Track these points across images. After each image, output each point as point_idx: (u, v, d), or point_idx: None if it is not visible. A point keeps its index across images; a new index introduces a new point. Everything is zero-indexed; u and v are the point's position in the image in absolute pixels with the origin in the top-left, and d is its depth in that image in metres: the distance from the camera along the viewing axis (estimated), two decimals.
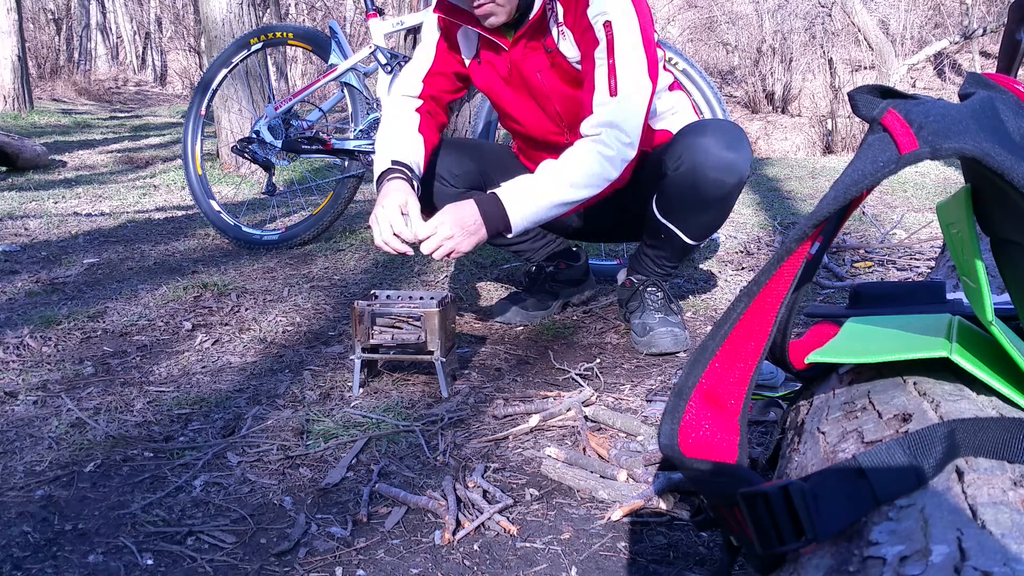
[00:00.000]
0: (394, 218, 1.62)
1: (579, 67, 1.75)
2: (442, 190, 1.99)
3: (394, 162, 1.77)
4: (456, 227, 1.61)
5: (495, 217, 1.64)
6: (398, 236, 1.62)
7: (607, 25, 1.65)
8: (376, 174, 1.79)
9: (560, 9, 1.72)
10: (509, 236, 1.69)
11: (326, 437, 1.48)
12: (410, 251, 1.65)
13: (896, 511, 0.56)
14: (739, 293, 0.77)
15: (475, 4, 1.70)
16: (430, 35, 1.91)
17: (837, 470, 0.60)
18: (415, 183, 1.78)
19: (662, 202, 1.84)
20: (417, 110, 1.90)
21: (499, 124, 2.39)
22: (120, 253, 3.04)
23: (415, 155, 1.83)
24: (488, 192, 1.67)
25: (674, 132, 1.86)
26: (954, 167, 4.69)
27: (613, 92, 1.65)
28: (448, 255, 1.62)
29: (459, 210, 1.63)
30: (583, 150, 1.67)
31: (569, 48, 1.74)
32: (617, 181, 1.70)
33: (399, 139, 1.84)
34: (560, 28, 1.73)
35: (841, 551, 0.56)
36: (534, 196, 1.66)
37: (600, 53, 1.67)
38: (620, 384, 1.73)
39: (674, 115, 1.93)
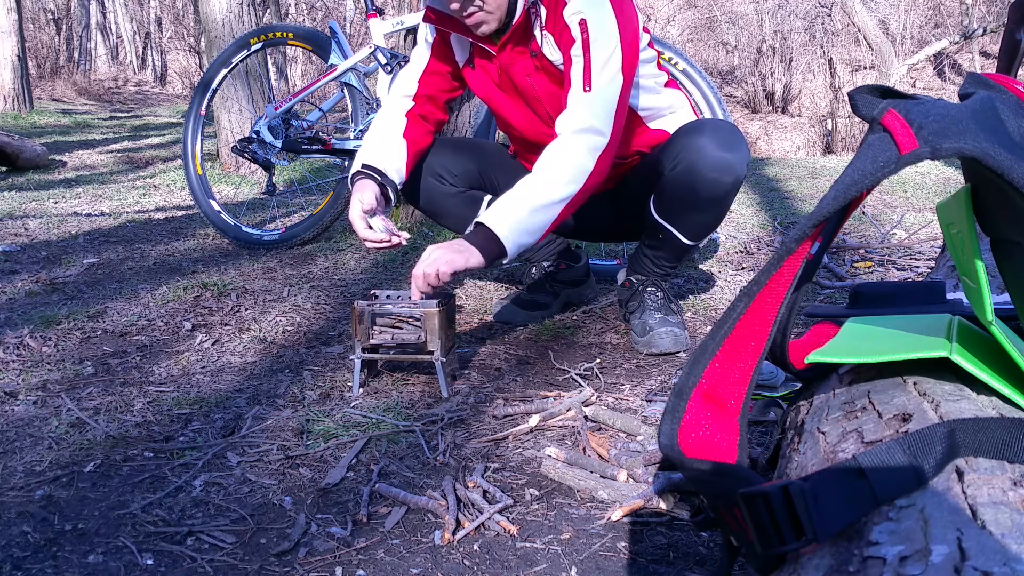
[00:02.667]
0: (358, 224, 1.75)
1: (563, 69, 1.75)
2: (441, 188, 2.00)
3: (364, 165, 1.83)
4: (444, 250, 1.61)
5: (485, 241, 1.62)
6: (368, 239, 1.74)
7: (582, 23, 1.66)
8: (349, 177, 1.87)
9: (544, 13, 1.73)
10: (505, 261, 1.66)
11: (326, 437, 1.48)
12: (394, 240, 1.75)
13: (896, 511, 0.56)
14: (739, 293, 0.77)
15: (465, 14, 1.70)
16: (425, 35, 1.91)
17: (837, 470, 0.59)
18: (387, 187, 1.82)
19: (659, 202, 1.84)
20: (407, 113, 1.91)
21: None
22: (120, 253, 3.04)
23: (392, 160, 1.86)
24: (472, 223, 1.66)
25: (671, 132, 1.87)
26: (954, 167, 4.69)
27: (586, 87, 1.66)
28: (438, 273, 1.59)
29: (448, 244, 1.63)
30: (553, 146, 1.68)
31: (552, 51, 1.74)
32: (596, 174, 1.67)
33: (377, 143, 1.88)
34: (543, 32, 1.74)
35: (841, 551, 0.56)
36: (515, 207, 1.64)
37: (576, 50, 1.68)
38: (620, 384, 1.73)
39: (672, 114, 1.92)
